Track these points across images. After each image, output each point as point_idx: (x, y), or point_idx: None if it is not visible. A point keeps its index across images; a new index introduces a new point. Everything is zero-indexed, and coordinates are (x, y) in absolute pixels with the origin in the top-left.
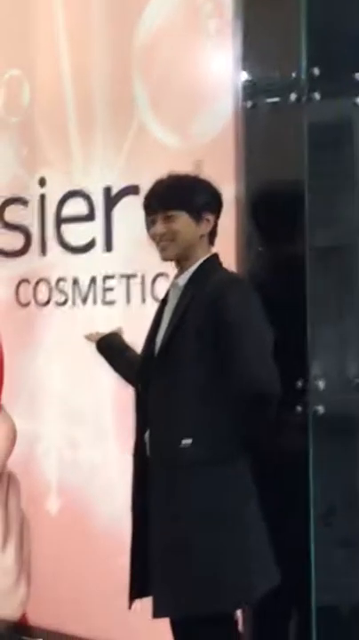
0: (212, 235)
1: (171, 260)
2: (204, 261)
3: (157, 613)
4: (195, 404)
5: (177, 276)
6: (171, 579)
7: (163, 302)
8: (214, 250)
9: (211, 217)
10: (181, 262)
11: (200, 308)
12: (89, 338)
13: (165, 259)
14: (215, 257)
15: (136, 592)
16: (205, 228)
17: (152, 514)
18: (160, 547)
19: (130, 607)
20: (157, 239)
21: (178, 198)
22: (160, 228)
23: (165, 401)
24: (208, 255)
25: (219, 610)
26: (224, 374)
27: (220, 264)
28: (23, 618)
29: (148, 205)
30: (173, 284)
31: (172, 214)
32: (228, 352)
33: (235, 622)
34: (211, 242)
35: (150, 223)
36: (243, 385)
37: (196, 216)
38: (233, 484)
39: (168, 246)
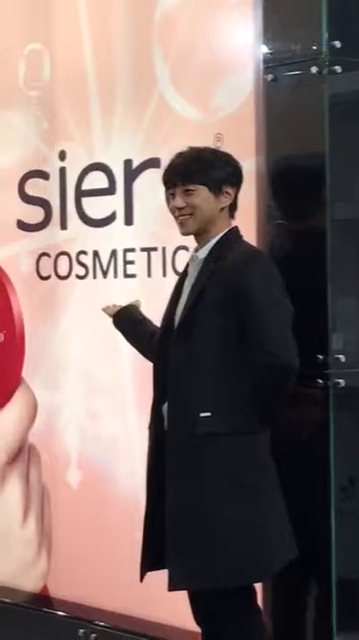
0: (233, 208)
1: (191, 234)
2: (225, 235)
3: (173, 586)
4: (215, 377)
5: (197, 250)
6: (187, 550)
7: (183, 275)
8: (235, 223)
9: (231, 190)
10: (201, 235)
11: (220, 281)
12: (106, 310)
13: (185, 233)
14: (235, 230)
15: (148, 564)
16: (225, 201)
17: (168, 486)
18: (176, 518)
19: (141, 580)
20: (177, 213)
21: (197, 172)
22: (179, 201)
23: (185, 373)
24: (228, 229)
25: (236, 583)
26: (244, 347)
27: (241, 237)
28: (44, 589)
29: (168, 179)
30: (192, 258)
31: (192, 188)
32: (249, 325)
33: (254, 595)
34: (232, 215)
35: (170, 197)
36: (264, 358)
37: (216, 190)
38: (250, 456)
39: (187, 220)
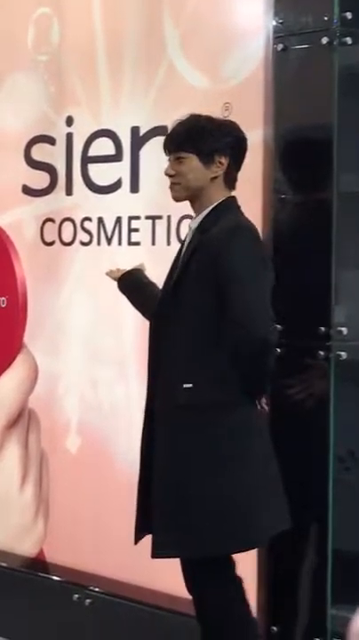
0: (230, 178)
1: (180, 201)
2: (217, 205)
3: (155, 553)
4: (198, 349)
5: (193, 219)
6: (169, 519)
7: (182, 245)
8: (240, 194)
9: (224, 159)
10: (195, 205)
11: (202, 254)
12: (110, 274)
13: (174, 199)
14: (228, 201)
15: (141, 528)
16: (216, 170)
17: (156, 455)
18: (160, 487)
19: (135, 542)
20: (169, 180)
21: (188, 140)
22: (169, 169)
23: (171, 346)
24: (222, 199)
25: (216, 553)
26: (224, 320)
27: (233, 208)
28: (40, 554)
29: (164, 146)
30: (189, 227)
31: (182, 156)
32: (227, 299)
33: (232, 564)
34: (230, 186)
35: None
36: (239, 331)
37: (206, 158)
38: (232, 428)
39: (175, 187)
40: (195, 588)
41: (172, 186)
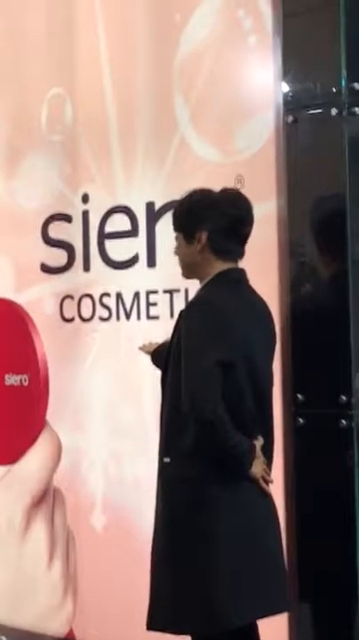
0: (220, 249)
1: (186, 278)
2: (209, 280)
3: (148, 625)
4: (175, 424)
5: None
6: (158, 592)
7: None
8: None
9: (203, 235)
10: (199, 280)
11: (176, 328)
12: (143, 349)
13: (183, 277)
14: (225, 272)
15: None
16: (197, 245)
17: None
18: (153, 559)
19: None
20: None
21: (176, 219)
22: (175, 248)
23: (162, 420)
24: (214, 273)
25: (190, 632)
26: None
27: (228, 279)
28: (70, 634)
29: None
30: None
31: (176, 235)
32: (179, 374)
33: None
34: (224, 257)
35: None
36: (185, 407)
37: (188, 236)
38: (202, 505)
39: (179, 265)
40: None
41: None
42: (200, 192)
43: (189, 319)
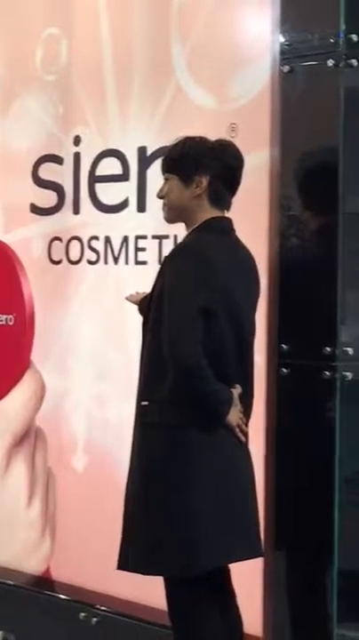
0: (217, 197)
1: (170, 222)
2: (198, 225)
3: (119, 565)
4: (154, 367)
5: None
6: (127, 533)
7: None
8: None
9: (204, 179)
10: (186, 226)
11: (160, 272)
12: (129, 299)
13: (165, 220)
14: (216, 220)
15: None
16: (196, 190)
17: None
18: (126, 499)
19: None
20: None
21: (171, 161)
22: (160, 189)
23: (141, 364)
24: (203, 220)
25: (161, 573)
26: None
27: (219, 228)
28: (46, 572)
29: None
30: None
31: (167, 177)
32: (161, 319)
33: (198, 585)
34: (218, 205)
35: None
36: (167, 350)
37: (186, 179)
38: (179, 449)
39: (164, 208)
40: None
41: (163, 207)
42: (197, 138)
43: (174, 264)
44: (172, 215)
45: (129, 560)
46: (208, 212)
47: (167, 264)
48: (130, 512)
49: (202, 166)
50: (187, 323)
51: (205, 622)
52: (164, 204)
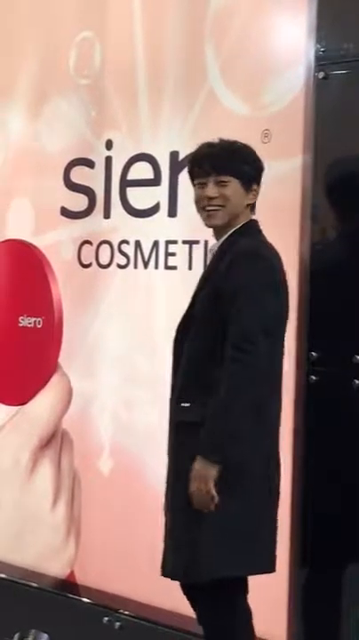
0: (254, 205)
1: (219, 226)
2: (238, 228)
3: (161, 572)
4: (201, 370)
5: (215, 243)
6: (170, 540)
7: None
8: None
9: (257, 188)
10: (223, 229)
11: (215, 278)
12: None
13: (212, 225)
14: (251, 223)
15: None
16: (252, 198)
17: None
18: (166, 505)
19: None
20: (206, 203)
21: (231, 164)
22: (212, 191)
23: (182, 366)
24: (244, 222)
25: (189, 580)
26: (224, 345)
27: (256, 230)
28: (70, 575)
29: (199, 168)
30: (210, 250)
31: (225, 179)
32: (230, 322)
33: (236, 592)
34: (252, 210)
35: (198, 186)
36: (233, 353)
37: (247, 185)
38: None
39: (217, 212)
40: (197, 614)
41: (212, 209)
42: (238, 142)
43: (244, 272)
44: (227, 219)
45: (170, 567)
46: (245, 216)
47: (229, 268)
48: (174, 517)
49: (256, 174)
50: (265, 327)
51: (240, 627)
52: (219, 207)
